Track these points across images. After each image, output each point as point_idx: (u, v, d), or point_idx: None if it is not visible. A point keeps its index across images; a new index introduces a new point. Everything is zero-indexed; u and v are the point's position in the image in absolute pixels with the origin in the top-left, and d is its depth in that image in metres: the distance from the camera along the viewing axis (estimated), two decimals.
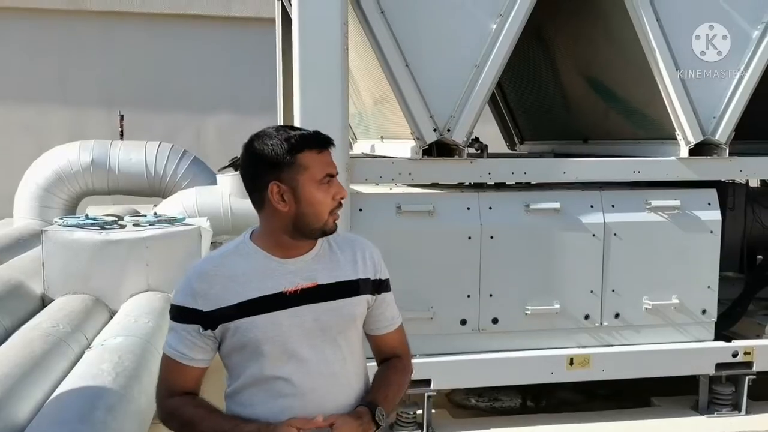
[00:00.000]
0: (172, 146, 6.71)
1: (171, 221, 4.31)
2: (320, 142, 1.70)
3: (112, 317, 3.82)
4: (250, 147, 1.71)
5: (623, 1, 3.64)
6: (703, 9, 3.73)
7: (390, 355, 1.89)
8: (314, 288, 1.71)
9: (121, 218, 4.33)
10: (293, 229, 1.69)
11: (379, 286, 1.83)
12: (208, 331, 1.67)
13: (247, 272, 1.69)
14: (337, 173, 1.73)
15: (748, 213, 5.00)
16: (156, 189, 6.55)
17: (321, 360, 1.70)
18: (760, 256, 5.25)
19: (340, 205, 1.72)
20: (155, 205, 6.07)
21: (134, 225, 4.17)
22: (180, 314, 1.69)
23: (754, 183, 4.93)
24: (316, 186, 1.68)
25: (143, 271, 3.99)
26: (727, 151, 3.78)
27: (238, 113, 9.42)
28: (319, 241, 1.77)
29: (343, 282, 1.75)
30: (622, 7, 3.66)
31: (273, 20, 6.23)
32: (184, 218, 4.53)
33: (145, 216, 4.47)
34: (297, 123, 3.41)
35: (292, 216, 1.67)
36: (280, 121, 6.00)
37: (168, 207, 5.70)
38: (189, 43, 9.42)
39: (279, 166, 1.66)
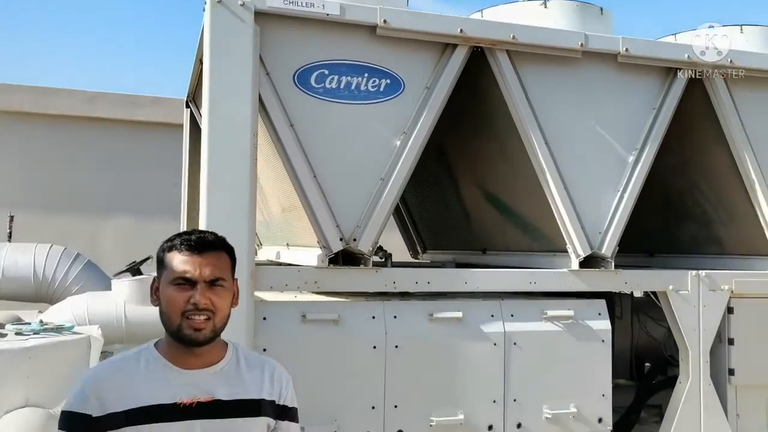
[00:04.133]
0: (64, 249, 6.36)
1: (58, 329, 4.03)
2: (186, 244, 1.69)
3: None
4: None
5: (515, 124, 3.94)
6: (584, 135, 4.09)
7: None
8: (211, 403, 1.64)
9: (2, 326, 4.02)
10: (167, 331, 1.70)
11: (282, 413, 1.76)
12: None
13: (143, 379, 1.63)
14: (202, 279, 1.66)
15: (635, 322, 5.31)
16: (43, 294, 6.13)
17: None
18: (648, 363, 5.54)
19: (197, 309, 1.64)
20: (40, 312, 5.67)
21: (16, 334, 3.87)
22: (68, 421, 1.60)
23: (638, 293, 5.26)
24: (170, 286, 1.67)
25: (22, 384, 3.67)
26: (613, 264, 4.05)
27: (138, 217, 9.17)
28: (227, 355, 1.73)
29: (243, 400, 1.69)
30: (515, 129, 3.96)
31: (178, 125, 6.26)
32: (72, 326, 4.26)
33: (30, 324, 4.16)
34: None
35: (161, 315, 1.70)
36: (183, 226, 5.89)
37: (56, 313, 5.34)
38: (89, 145, 9.22)
39: (158, 263, 1.74)
